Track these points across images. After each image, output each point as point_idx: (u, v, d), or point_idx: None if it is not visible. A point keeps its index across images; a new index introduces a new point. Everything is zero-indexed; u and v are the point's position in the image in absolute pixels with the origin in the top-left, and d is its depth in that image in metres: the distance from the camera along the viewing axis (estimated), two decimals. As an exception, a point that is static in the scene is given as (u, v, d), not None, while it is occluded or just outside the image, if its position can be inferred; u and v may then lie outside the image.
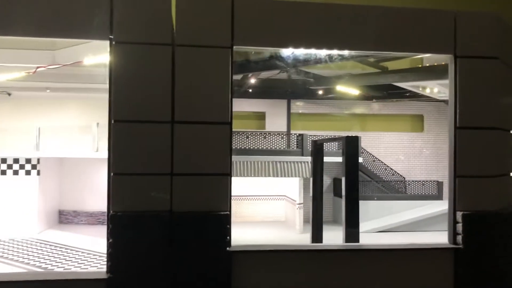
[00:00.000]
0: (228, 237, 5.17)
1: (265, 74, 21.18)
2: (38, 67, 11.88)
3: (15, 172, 19.40)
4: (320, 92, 25.32)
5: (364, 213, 24.16)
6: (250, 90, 24.84)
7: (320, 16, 5.48)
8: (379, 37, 5.60)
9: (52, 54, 12.35)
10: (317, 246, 6.08)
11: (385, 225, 22.89)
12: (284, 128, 26.88)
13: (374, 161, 27.00)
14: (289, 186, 24.45)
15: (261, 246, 5.43)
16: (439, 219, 21.54)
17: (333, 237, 11.57)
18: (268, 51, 12.77)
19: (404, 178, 27.13)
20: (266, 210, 26.85)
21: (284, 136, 23.61)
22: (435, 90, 20.09)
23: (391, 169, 27.17)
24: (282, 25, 5.42)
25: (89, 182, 21.22)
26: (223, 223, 5.16)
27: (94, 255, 15.62)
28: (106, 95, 5.09)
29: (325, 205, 23.29)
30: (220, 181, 5.23)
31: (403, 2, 6.87)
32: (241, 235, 22.50)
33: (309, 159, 20.51)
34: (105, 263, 5.09)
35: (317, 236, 12.83)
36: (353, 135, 9.09)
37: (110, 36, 5.09)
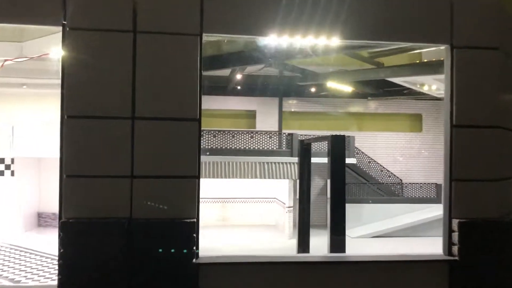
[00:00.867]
0: (194, 248, 4.79)
1: (251, 70, 20.92)
2: (5, 60, 11.47)
3: (-14, 173, 19.01)
4: (313, 89, 25.09)
5: (357, 217, 24.07)
6: (239, 87, 24.61)
7: (304, 1, 5.11)
8: (370, 26, 5.24)
9: (20, 46, 11.93)
10: (296, 257, 5.71)
11: (380, 230, 22.69)
12: (275, 127, 26.68)
13: (369, 162, 26.82)
14: (279, 188, 24.14)
15: (232, 258, 5.06)
16: (437, 223, 21.19)
17: (323, 242, 11.27)
18: (243, 40, 12.40)
19: (401, 180, 26.97)
20: (255, 213, 26.60)
21: (273, 136, 23.27)
22: (434, 87, 19.80)
23: (388, 170, 27.00)
24: (259, 10, 5.05)
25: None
26: (190, 231, 4.78)
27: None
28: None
29: (319, 208, 23.15)
30: (186, 185, 4.87)
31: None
32: (226, 241, 22.22)
33: (299, 160, 20.28)
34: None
35: (303, 242, 12.53)
36: (340, 134, 8.75)
37: (63, 22, 4.72)
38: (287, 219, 22.44)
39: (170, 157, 4.84)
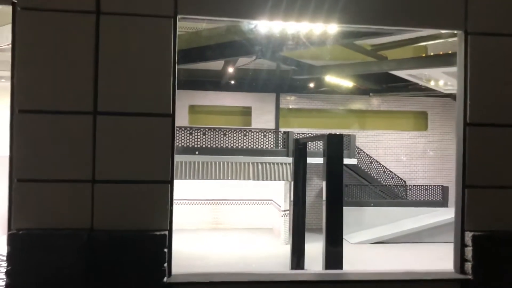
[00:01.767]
0: (165, 265, 4.30)
1: (245, 63, 20.56)
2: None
3: None
4: (312, 85, 24.76)
5: (358, 221, 23.82)
6: (233, 82, 24.25)
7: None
8: (373, 9, 4.74)
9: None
10: (286, 275, 5.22)
11: (381, 235, 22.42)
12: (272, 125, 26.41)
13: (371, 162, 26.59)
14: (276, 190, 23.77)
15: (211, 276, 4.57)
16: (444, 229, 21.13)
17: (320, 249, 10.89)
18: (229, 26, 11.91)
19: (405, 182, 26.80)
20: (250, 216, 26.34)
21: (267, 134, 22.85)
22: (441, 82, 19.40)
23: (391, 171, 26.80)
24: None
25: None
26: (160, 245, 4.29)
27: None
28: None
29: (319, 211, 22.75)
30: (157, 191, 4.38)
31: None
32: (218, 246, 21.86)
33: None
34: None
35: (298, 249, 12.12)
36: (337, 133, 8.28)
37: (13, 0, 4.23)
38: (282, 223, 22.08)
39: (138, 159, 4.35)
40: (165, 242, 4.32)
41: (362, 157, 26.22)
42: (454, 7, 4.83)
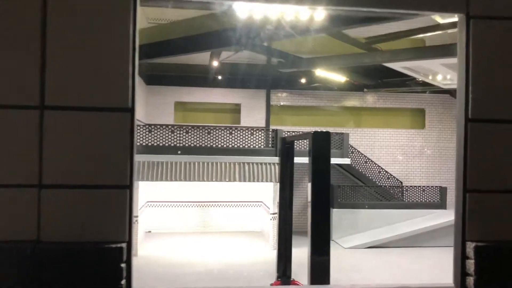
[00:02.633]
0: (123, 282, 3.91)
1: (230, 57, 20.34)
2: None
3: None
4: (303, 80, 24.62)
5: (352, 224, 23.75)
6: (220, 77, 24.04)
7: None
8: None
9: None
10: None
11: (376, 239, 22.36)
12: (262, 123, 26.30)
13: (366, 162, 26.54)
14: (266, 192, 23.58)
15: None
16: (441, 232, 21.11)
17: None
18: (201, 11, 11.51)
19: (401, 182, 26.83)
20: (240, 218, 26.23)
21: (255, 132, 22.58)
22: (439, 77, 19.19)
23: (386, 172, 26.79)
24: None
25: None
26: (117, 260, 3.89)
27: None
28: None
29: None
30: (114, 197, 3.98)
31: None
32: (204, 251, 21.60)
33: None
34: None
35: (285, 255, 11.84)
36: (324, 130, 7.94)
37: None
38: (271, 227, 21.91)
39: (92, 161, 3.95)
40: (123, 255, 3.93)
41: (356, 157, 26.15)
42: (454, -12, 4.47)
